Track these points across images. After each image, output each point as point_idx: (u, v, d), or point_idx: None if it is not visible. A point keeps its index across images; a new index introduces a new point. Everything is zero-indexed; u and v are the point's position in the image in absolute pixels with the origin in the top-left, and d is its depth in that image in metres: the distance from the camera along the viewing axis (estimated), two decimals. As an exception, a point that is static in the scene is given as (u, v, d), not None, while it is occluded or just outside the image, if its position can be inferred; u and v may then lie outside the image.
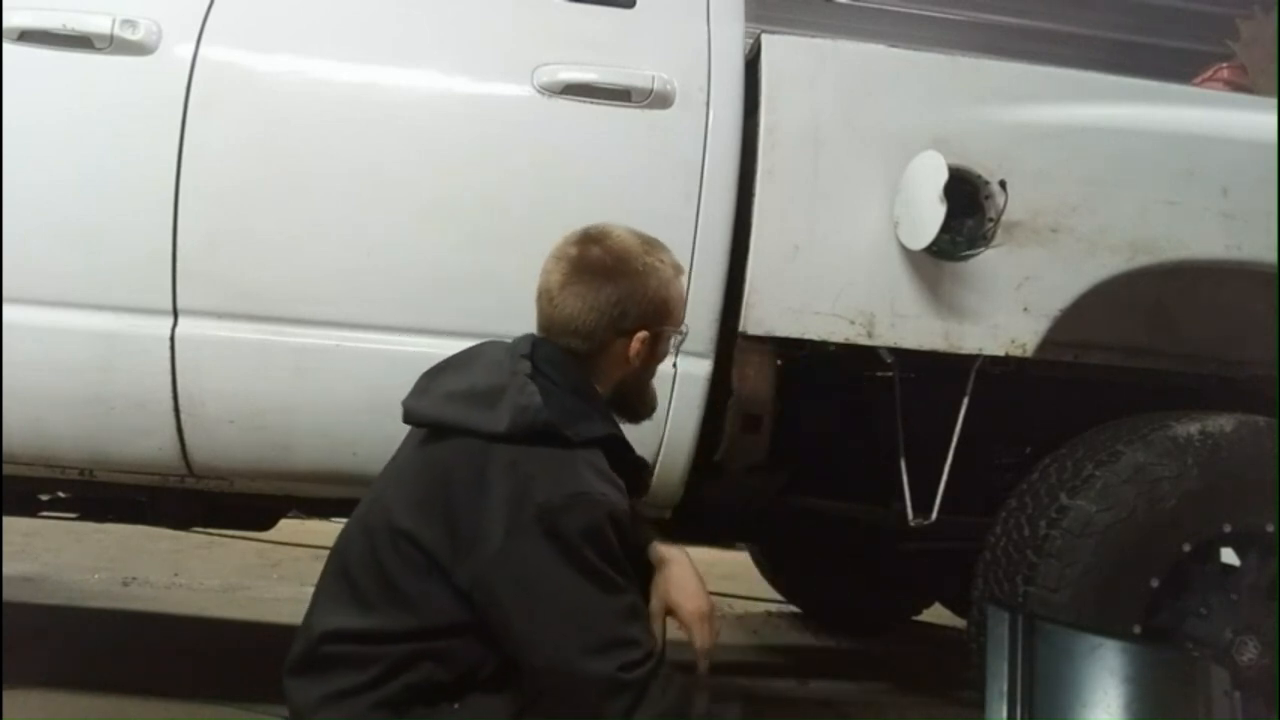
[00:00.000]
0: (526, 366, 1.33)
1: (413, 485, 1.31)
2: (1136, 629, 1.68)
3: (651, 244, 1.42)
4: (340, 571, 1.34)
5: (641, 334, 1.38)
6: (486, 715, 1.25)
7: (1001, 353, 1.80)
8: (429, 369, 1.43)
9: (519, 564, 1.21)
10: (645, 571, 1.42)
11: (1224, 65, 3.90)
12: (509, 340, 1.41)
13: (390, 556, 1.27)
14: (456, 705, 1.25)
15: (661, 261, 1.40)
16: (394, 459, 1.42)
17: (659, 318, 1.40)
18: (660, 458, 1.77)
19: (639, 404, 1.46)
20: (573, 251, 1.38)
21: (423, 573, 1.26)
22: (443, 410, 1.33)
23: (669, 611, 1.37)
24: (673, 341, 1.47)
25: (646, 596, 1.37)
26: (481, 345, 1.45)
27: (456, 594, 1.24)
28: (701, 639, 1.35)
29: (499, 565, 1.22)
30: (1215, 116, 1.91)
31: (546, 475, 1.24)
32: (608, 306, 1.35)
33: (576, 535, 1.21)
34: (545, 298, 1.39)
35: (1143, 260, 1.81)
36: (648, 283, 1.37)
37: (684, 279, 1.45)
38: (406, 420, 1.38)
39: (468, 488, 1.25)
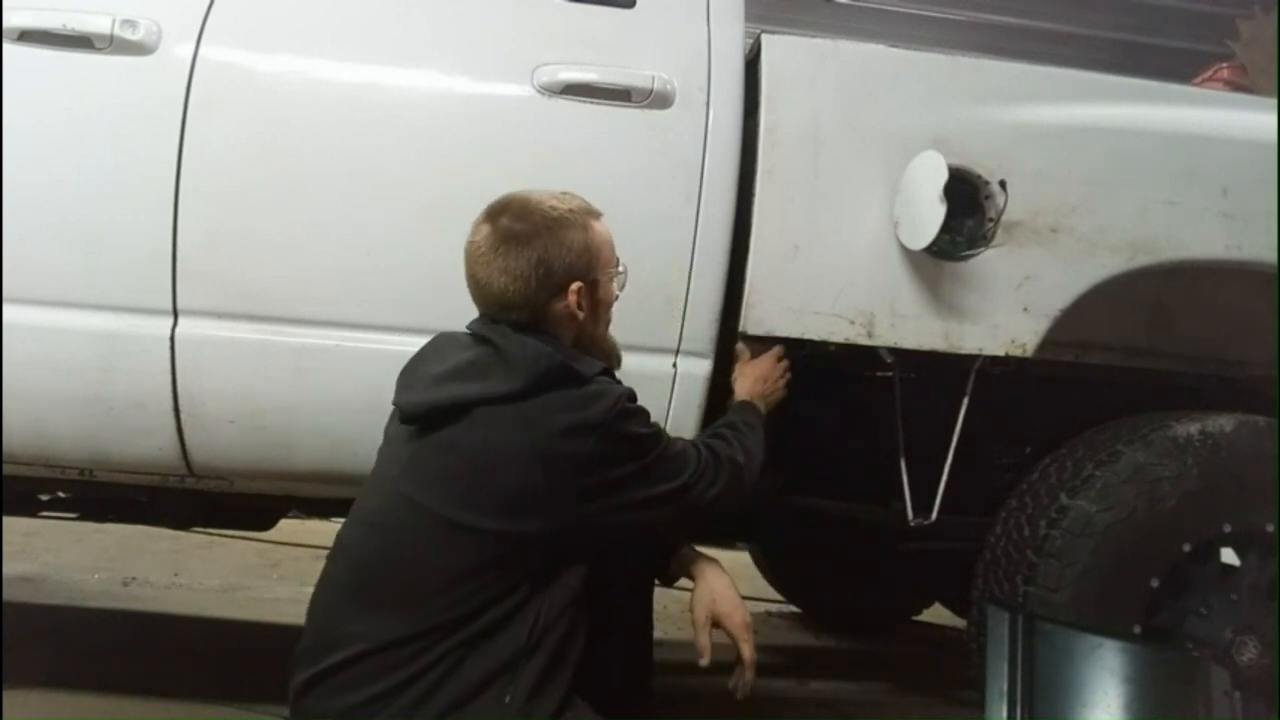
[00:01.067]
0: (507, 328, 1.34)
1: (437, 472, 1.30)
2: (1136, 629, 1.68)
3: (559, 196, 1.41)
4: (352, 582, 1.32)
5: (575, 286, 1.37)
6: (539, 702, 1.25)
7: (1001, 353, 1.80)
8: (403, 368, 1.43)
9: (598, 490, 1.29)
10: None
11: (1224, 65, 3.90)
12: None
13: (426, 550, 1.27)
14: (508, 699, 1.24)
15: (571, 210, 1.39)
16: (385, 461, 1.41)
17: (586, 266, 1.38)
18: (660, 458, 1.77)
19: (601, 356, 1.45)
20: (485, 228, 1.38)
21: (463, 553, 1.25)
22: (441, 393, 1.32)
23: (715, 623, 1.39)
24: (616, 282, 1.46)
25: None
26: (439, 336, 1.45)
27: (510, 561, 1.27)
28: (749, 651, 1.39)
29: (583, 501, 1.28)
30: (1215, 116, 1.91)
31: (574, 408, 1.27)
32: (530, 269, 1.34)
33: (619, 428, 1.29)
34: (473, 283, 1.39)
35: (1143, 260, 1.81)
36: (563, 235, 1.36)
37: (602, 221, 1.44)
38: (404, 417, 1.38)
39: (509, 451, 1.26)
